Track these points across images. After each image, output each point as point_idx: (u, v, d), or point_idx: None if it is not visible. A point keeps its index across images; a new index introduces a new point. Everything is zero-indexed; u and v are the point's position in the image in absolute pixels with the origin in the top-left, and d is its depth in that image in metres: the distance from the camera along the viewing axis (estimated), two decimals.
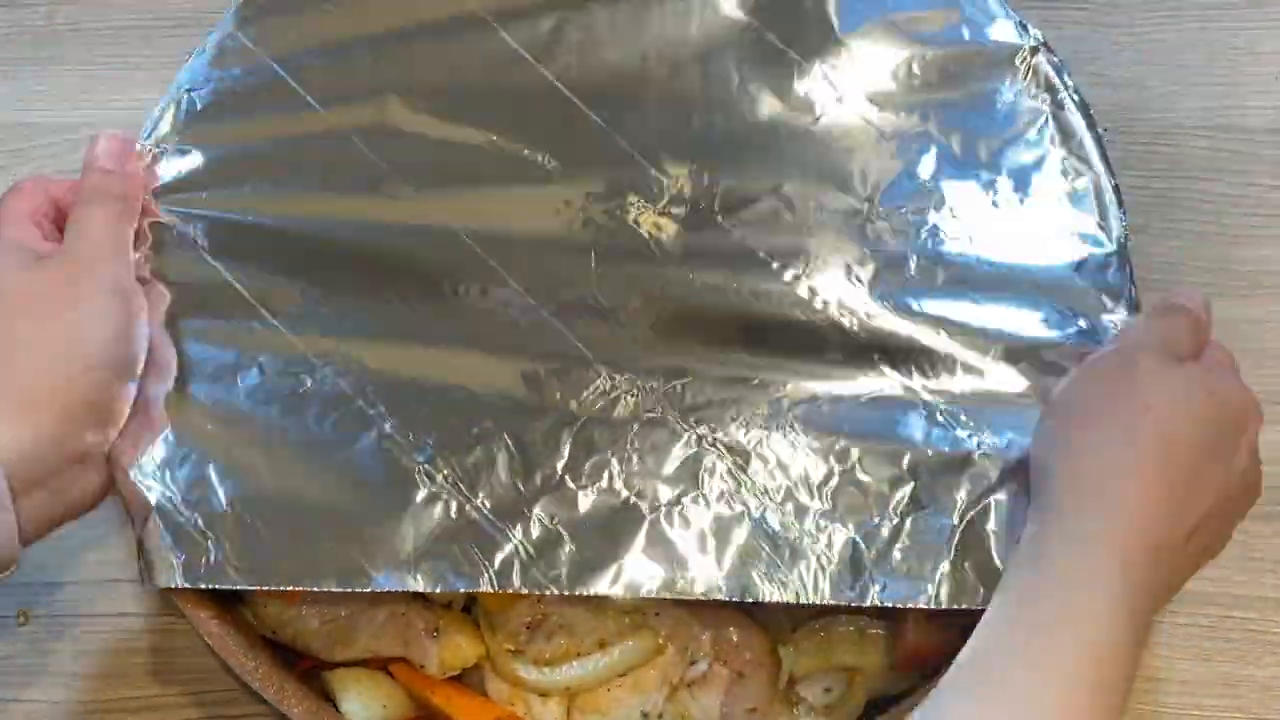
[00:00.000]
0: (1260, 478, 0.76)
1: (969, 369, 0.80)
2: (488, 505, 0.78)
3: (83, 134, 1.00)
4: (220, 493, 0.78)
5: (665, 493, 0.78)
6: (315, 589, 0.77)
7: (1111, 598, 0.68)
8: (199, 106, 0.86)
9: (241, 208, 0.83)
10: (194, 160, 0.84)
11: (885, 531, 0.77)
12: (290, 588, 0.78)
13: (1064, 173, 0.84)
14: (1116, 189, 0.83)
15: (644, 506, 0.78)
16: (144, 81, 1.02)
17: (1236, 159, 0.99)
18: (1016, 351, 0.81)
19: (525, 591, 0.77)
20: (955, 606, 0.75)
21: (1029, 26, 0.86)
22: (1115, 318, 0.81)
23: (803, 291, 0.82)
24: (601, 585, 0.76)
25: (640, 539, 0.77)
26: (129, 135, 0.83)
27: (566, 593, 0.76)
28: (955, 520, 0.77)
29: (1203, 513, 0.72)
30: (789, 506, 0.78)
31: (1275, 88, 1.00)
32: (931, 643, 0.80)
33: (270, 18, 0.88)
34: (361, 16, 0.88)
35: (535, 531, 0.77)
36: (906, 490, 0.78)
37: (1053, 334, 0.81)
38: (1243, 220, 0.98)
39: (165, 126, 0.85)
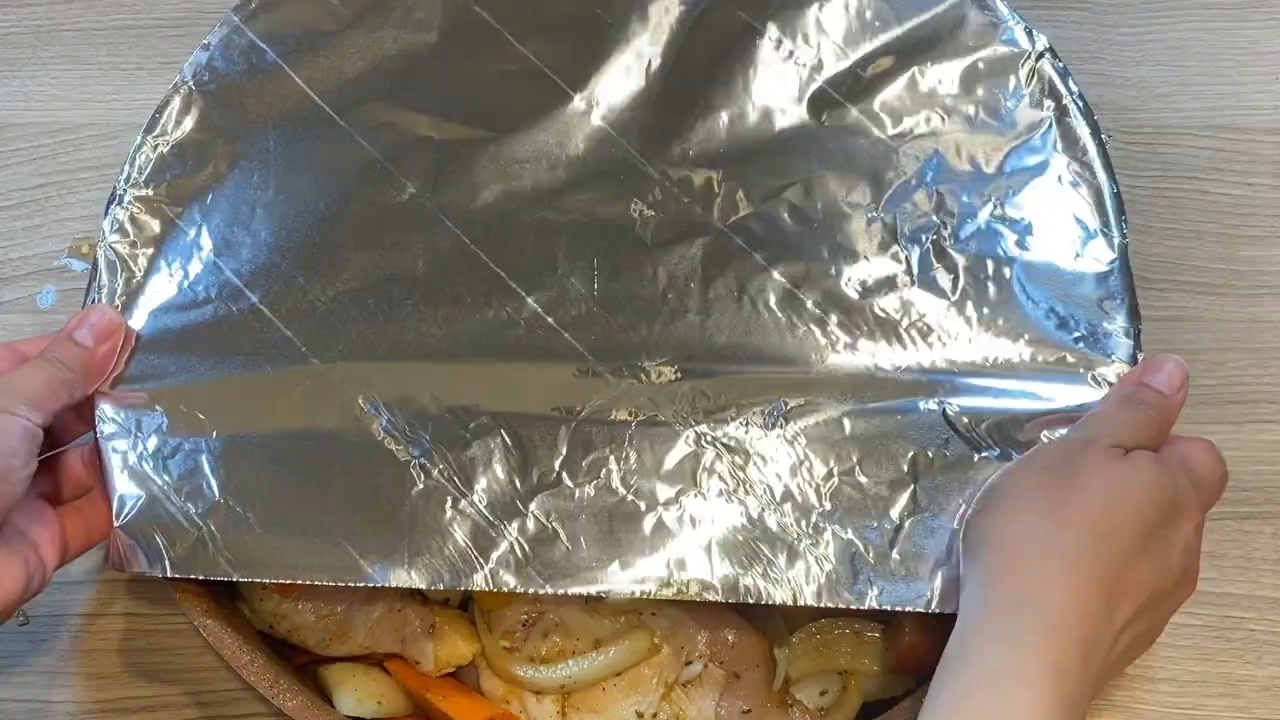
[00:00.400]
0: (1197, 570, 0.74)
1: (969, 374, 0.80)
2: (484, 502, 0.78)
3: (83, 134, 1.00)
4: (213, 484, 0.78)
5: (663, 492, 0.78)
6: (309, 582, 0.77)
7: (1042, 702, 0.66)
8: (206, 102, 0.86)
9: (243, 201, 0.84)
10: (197, 154, 0.85)
11: (884, 534, 0.77)
12: (283, 581, 0.78)
13: (1067, 179, 0.83)
14: (1119, 196, 0.83)
15: (642, 505, 0.78)
16: (144, 81, 1.02)
17: (1237, 159, 0.99)
18: (1015, 357, 0.81)
19: (521, 590, 0.77)
20: (953, 611, 0.75)
21: (1035, 32, 0.86)
22: (1115, 326, 0.81)
23: (803, 296, 0.82)
24: (598, 584, 0.76)
25: (637, 538, 0.77)
26: (116, 320, 0.81)
27: (562, 591, 0.76)
28: (955, 524, 0.77)
29: (1134, 610, 0.70)
30: (787, 507, 0.78)
31: (1276, 88, 1.00)
32: (928, 646, 0.80)
33: (274, 12, 0.88)
34: (363, 12, 0.88)
35: (531, 529, 0.77)
36: (906, 493, 0.78)
37: (1052, 341, 0.80)
38: (1243, 220, 0.97)
39: (169, 120, 0.85)
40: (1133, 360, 0.80)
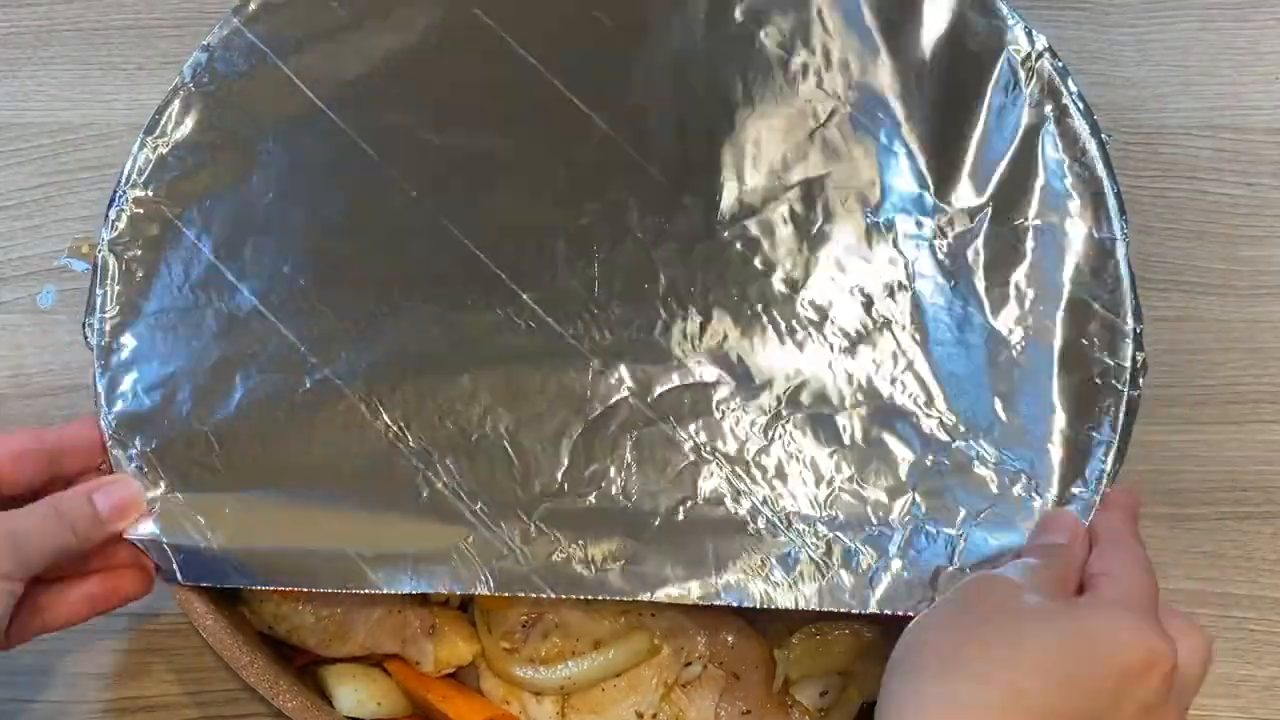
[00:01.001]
0: None
1: (968, 379, 0.80)
2: (486, 511, 0.78)
3: (82, 134, 1.00)
4: (220, 494, 0.78)
5: (663, 500, 0.78)
6: (314, 589, 0.78)
7: None
8: (206, 104, 0.86)
9: (243, 203, 0.84)
10: (198, 157, 0.85)
11: (884, 540, 0.77)
12: (289, 588, 0.78)
13: (1067, 179, 0.83)
14: (1119, 196, 0.83)
15: (642, 512, 0.78)
16: (144, 81, 1.02)
17: (1237, 159, 0.99)
18: (1013, 364, 0.80)
19: (522, 595, 0.77)
20: None
21: (1034, 32, 0.86)
22: (1117, 326, 0.81)
23: (802, 301, 0.82)
24: (599, 590, 0.76)
25: (639, 545, 0.77)
26: (138, 499, 0.78)
27: (563, 596, 0.77)
28: (954, 530, 0.77)
29: None
30: (787, 514, 0.78)
31: (1276, 88, 1.00)
32: None
33: (274, 14, 0.88)
34: (363, 13, 0.88)
35: (534, 536, 0.77)
36: (906, 500, 0.78)
37: (1048, 347, 0.80)
38: (1243, 220, 0.98)
39: (170, 122, 0.85)
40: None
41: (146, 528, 0.78)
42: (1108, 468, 0.78)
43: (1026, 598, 0.69)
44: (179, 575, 0.77)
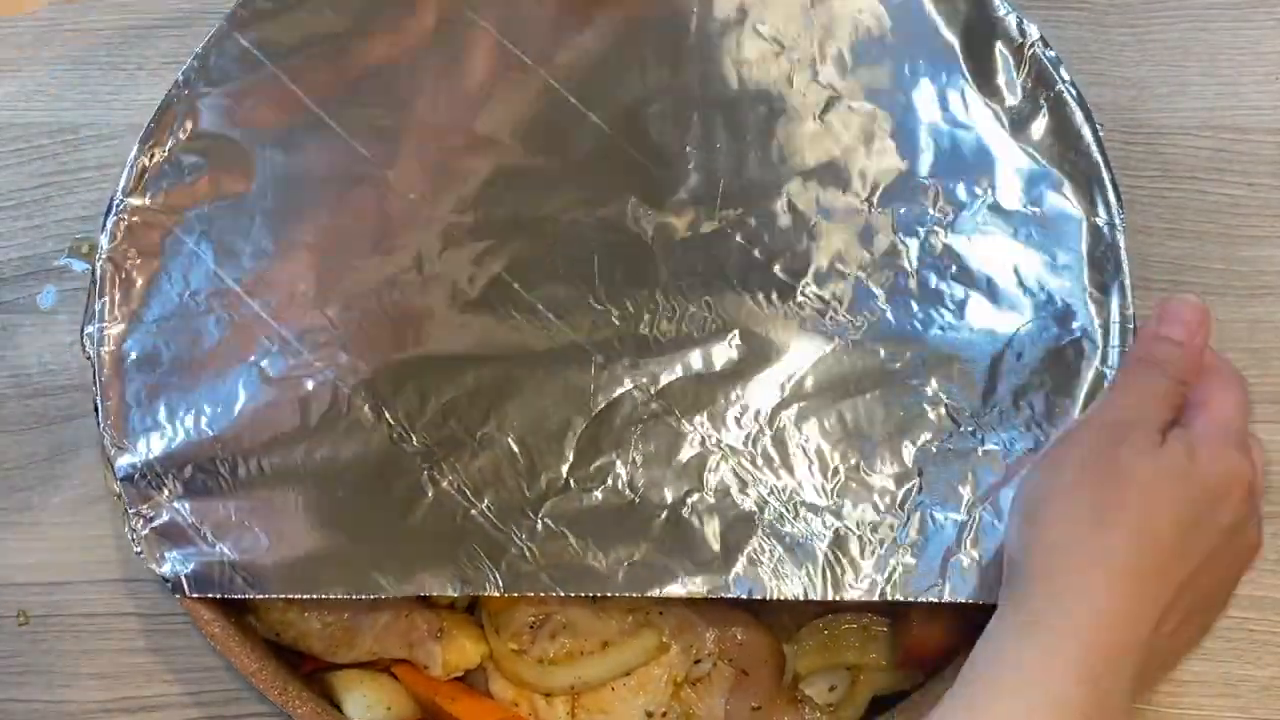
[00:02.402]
0: (1259, 539, 0.75)
1: (968, 363, 0.81)
2: (493, 510, 0.78)
3: (83, 134, 1.00)
4: (225, 503, 0.78)
5: (670, 493, 0.78)
6: (324, 597, 0.78)
7: (1068, 709, 0.66)
8: (203, 111, 0.85)
9: (242, 209, 0.83)
10: (195, 163, 0.84)
11: (891, 527, 0.77)
12: (299, 596, 0.78)
13: (1061, 167, 0.84)
14: (1114, 182, 0.83)
15: (649, 507, 0.78)
16: (144, 81, 1.01)
17: (1237, 159, 0.99)
18: (1013, 349, 0.81)
19: (531, 594, 0.77)
20: (962, 601, 0.75)
21: (1026, 21, 0.86)
22: (1110, 310, 0.81)
23: (804, 291, 0.82)
24: (607, 586, 0.77)
25: (647, 540, 0.77)
26: None
27: (572, 594, 0.77)
28: (962, 515, 0.77)
29: (1180, 605, 0.70)
30: (794, 504, 0.78)
31: (1276, 88, 1.00)
32: (936, 640, 0.80)
33: (269, 20, 0.87)
34: (357, 17, 0.88)
35: (541, 534, 0.78)
36: (912, 486, 0.78)
37: (1048, 332, 0.81)
38: (1243, 220, 0.97)
39: (167, 129, 0.85)
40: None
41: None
42: None
43: (1143, 448, 0.72)
44: (186, 588, 0.77)
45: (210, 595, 0.78)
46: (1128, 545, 0.69)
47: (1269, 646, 0.89)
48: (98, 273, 0.82)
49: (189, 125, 0.85)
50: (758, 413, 0.80)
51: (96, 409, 0.80)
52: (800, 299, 0.82)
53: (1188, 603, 0.71)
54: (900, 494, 0.78)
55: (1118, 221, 0.82)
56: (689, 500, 0.78)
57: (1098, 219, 0.82)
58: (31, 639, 0.89)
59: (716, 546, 0.77)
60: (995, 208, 0.83)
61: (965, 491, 0.78)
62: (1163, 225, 0.97)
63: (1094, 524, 0.70)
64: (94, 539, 0.91)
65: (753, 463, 0.79)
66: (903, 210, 0.84)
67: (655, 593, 0.77)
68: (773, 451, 0.79)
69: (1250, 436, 0.75)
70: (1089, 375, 0.80)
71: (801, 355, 0.81)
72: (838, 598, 0.77)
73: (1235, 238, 0.97)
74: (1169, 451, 0.72)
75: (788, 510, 0.78)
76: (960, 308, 0.82)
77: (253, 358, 0.81)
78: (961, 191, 0.84)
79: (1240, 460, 0.73)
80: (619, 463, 0.79)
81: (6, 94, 1.01)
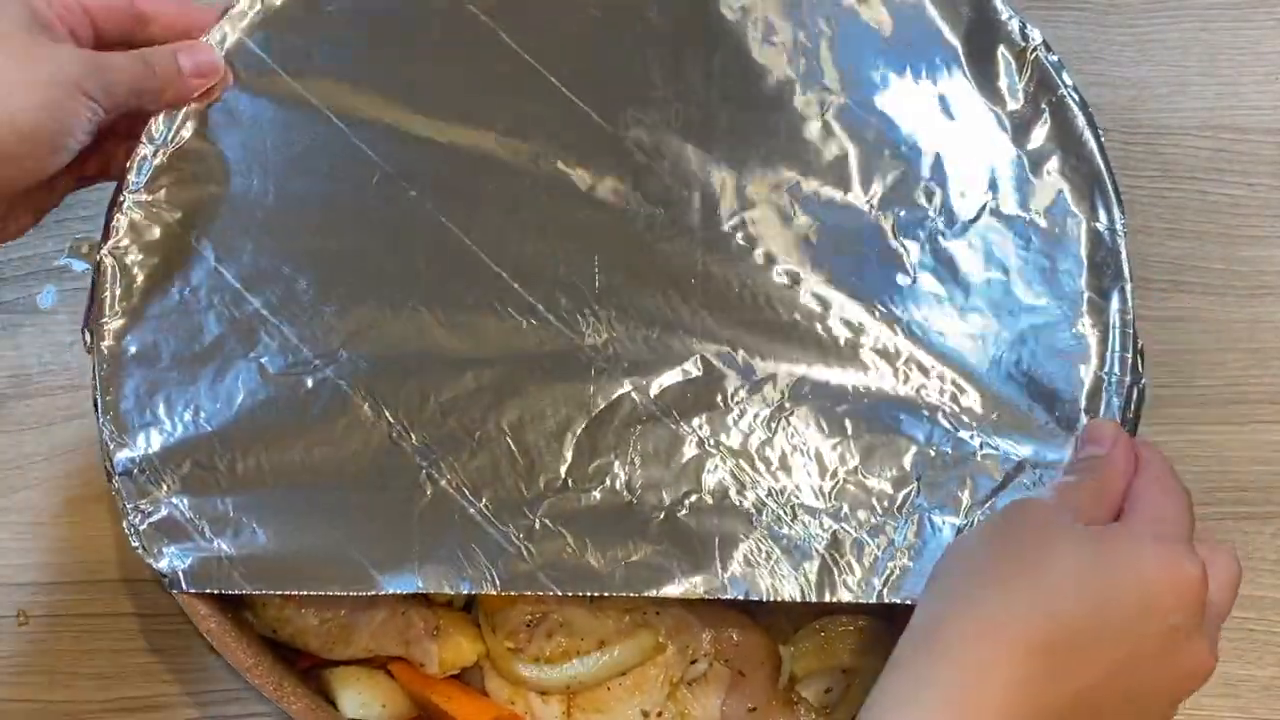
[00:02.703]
0: (1210, 659, 0.68)
1: (971, 370, 0.81)
2: (491, 508, 0.78)
3: None
4: (224, 498, 0.78)
5: (668, 494, 0.78)
6: (321, 594, 0.78)
7: None
8: (206, 108, 0.85)
9: (243, 206, 0.83)
10: (198, 160, 0.84)
11: (889, 530, 0.77)
12: (296, 592, 0.78)
13: (1063, 172, 0.83)
14: (1116, 188, 0.83)
15: (647, 508, 0.78)
16: None
17: (1237, 159, 0.99)
18: (1012, 354, 0.81)
19: (528, 593, 0.77)
20: None
21: (1029, 25, 0.86)
22: (1111, 316, 0.81)
23: (803, 294, 0.82)
24: (604, 586, 0.77)
25: (644, 540, 0.77)
26: (219, 65, 0.84)
27: (569, 593, 0.77)
28: (960, 520, 0.77)
29: (1083, 705, 0.65)
30: (792, 506, 0.78)
31: (1276, 88, 1.00)
32: None
33: (272, 19, 0.87)
34: (359, 16, 0.88)
35: (539, 533, 0.77)
36: (910, 489, 0.78)
37: (1048, 337, 0.81)
38: (1243, 220, 0.98)
39: (170, 126, 0.85)
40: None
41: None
42: None
43: (1060, 520, 0.69)
44: (184, 583, 0.77)
45: (207, 591, 0.78)
46: (1025, 621, 0.65)
47: (1269, 646, 0.90)
48: (99, 268, 0.82)
49: (192, 122, 0.85)
50: (756, 415, 0.80)
51: (96, 404, 0.80)
52: (800, 301, 0.82)
53: (1096, 708, 0.66)
54: (898, 497, 0.78)
55: (1119, 227, 0.82)
56: (687, 501, 0.78)
57: (1098, 224, 0.82)
58: (31, 639, 0.89)
59: (714, 547, 0.77)
60: (995, 212, 0.83)
61: (963, 496, 0.78)
62: (1163, 225, 0.97)
63: (996, 593, 0.67)
64: (94, 539, 0.91)
65: (751, 465, 0.79)
66: (903, 213, 0.83)
67: (652, 593, 0.77)
68: (771, 454, 0.79)
69: (1213, 547, 0.70)
70: (1088, 381, 0.80)
71: (801, 357, 0.81)
72: (834, 600, 0.77)
73: (1235, 237, 0.97)
74: (1092, 537, 0.68)
75: (785, 512, 0.78)
76: (960, 312, 0.82)
77: (252, 354, 0.81)
78: (962, 195, 0.84)
79: (1184, 565, 0.67)
80: (617, 463, 0.79)
81: None
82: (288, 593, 0.79)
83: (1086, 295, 0.81)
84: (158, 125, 0.84)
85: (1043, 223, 0.83)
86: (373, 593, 0.77)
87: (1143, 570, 0.67)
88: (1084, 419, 0.80)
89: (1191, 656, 0.68)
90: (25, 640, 0.89)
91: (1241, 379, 0.94)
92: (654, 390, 0.80)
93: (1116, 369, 0.80)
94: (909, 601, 0.76)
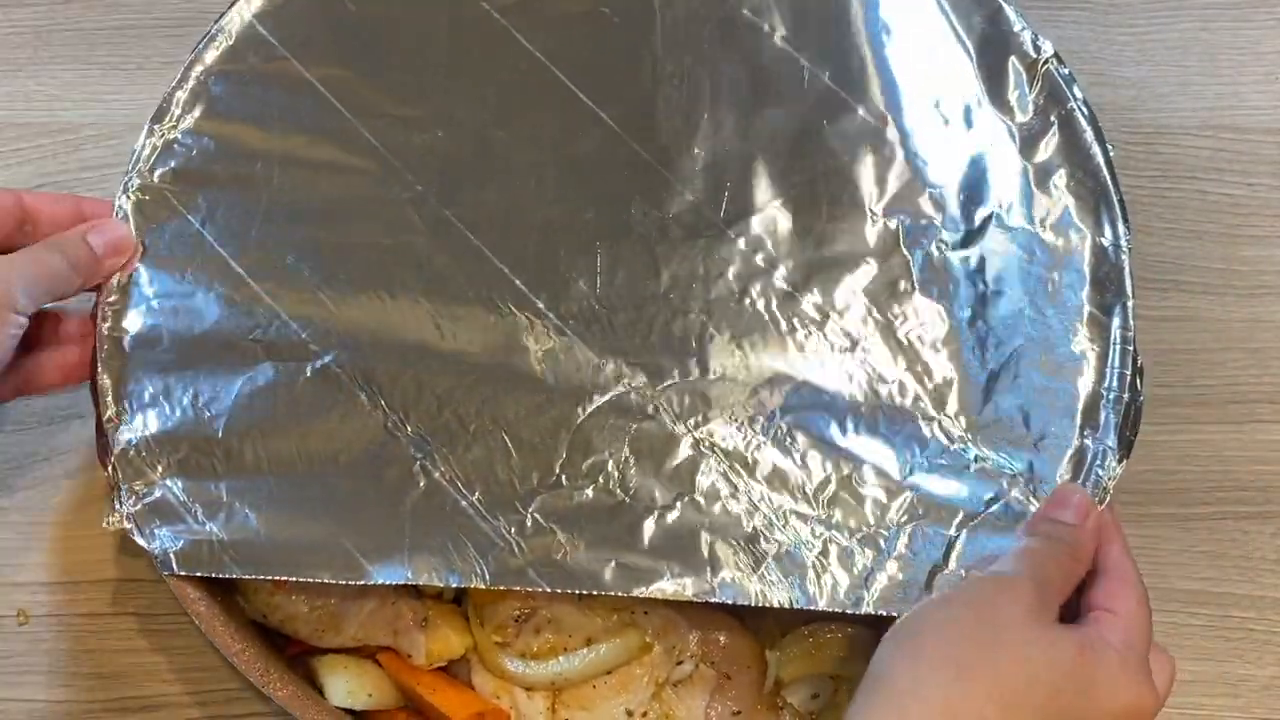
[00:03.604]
0: None
1: (969, 381, 0.80)
2: (484, 503, 0.78)
3: (83, 134, 1.00)
4: (218, 483, 0.78)
5: (661, 495, 0.78)
6: (311, 580, 0.78)
7: None
8: (214, 93, 0.85)
9: (248, 192, 0.84)
10: (204, 145, 0.85)
11: (882, 540, 0.77)
12: (287, 578, 0.78)
13: (1069, 186, 0.83)
14: (1122, 204, 0.83)
15: (640, 507, 0.78)
16: (144, 81, 1.02)
17: (1237, 159, 0.98)
18: (1010, 367, 0.81)
19: (518, 588, 0.77)
20: None
21: (1041, 37, 0.85)
22: (1117, 333, 0.81)
23: (804, 301, 0.82)
24: (594, 584, 0.77)
25: (635, 540, 0.77)
26: (130, 240, 0.82)
27: (558, 590, 0.77)
28: (952, 532, 0.77)
29: None
30: (785, 512, 0.78)
31: (1275, 88, 1.00)
32: None
33: (284, 7, 0.87)
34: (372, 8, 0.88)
35: (530, 529, 0.77)
36: (903, 500, 0.78)
37: (1047, 351, 0.81)
38: (1243, 220, 0.97)
39: (177, 110, 0.85)
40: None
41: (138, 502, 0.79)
42: (1107, 474, 0.78)
43: (1040, 618, 0.69)
44: (174, 565, 0.77)
45: (198, 574, 0.78)
46: (981, 706, 0.66)
47: (1269, 646, 0.89)
48: None
49: (200, 106, 0.85)
50: (752, 419, 0.80)
51: (94, 383, 0.80)
52: (801, 307, 0.82)
53: None
54: (890, 507, 0.78)
55: (1123, 243, 0.82)
56: (679, 503, 0.78)
57: (1103, 239, 0.82)
58: (31, 639, 0.89)
59: (704, 549, 0.77)
60: (1001, 223, 0.83)
61: (955, 508, 0.78)
62: (1162, 225, 0.97)
63: (958, 680, 0.67)
64: (94, 539, 0.91)
65: (745, 468, 0.79)
66: (908, 222, 0.83)
67: (641, 593, 0.76)
68: (764, 459, 0.79)
69: (1156, 655, 0.72)
70: (1085, 396, 0.80)
71: (799, 364, 0.81)
72: (824, 608, 0.77)
73: (1235, 237, 0.97)
74: (1062, 638, 0.69)
75: (777, 518, 0.78)
76: (960, 324, 0.81)
77: (252, 339, 0.81)
78: (967, 205, 0.83)
79: (1147, 699, 0.70)
80: (611, 462, 0.79)
81: (6, 94, 1.02)
82: (278, 579, 0.79)
83: (1088, 310, 0.81)
84: (165, 113, 0.84)
85: (1047, 236, 0.82)
86: (362, 582, 0.77)
87: (1112, 692, 0.68)
88: (1073, 450, 0.79)
89: None
90: (25, 640, 0.89)
91: (1241, 378, 0.94)
92: (650, 390, 0.80)
93: (1115, 385, 0.79)
94: (896, 615, 0.75)
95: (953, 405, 0.80)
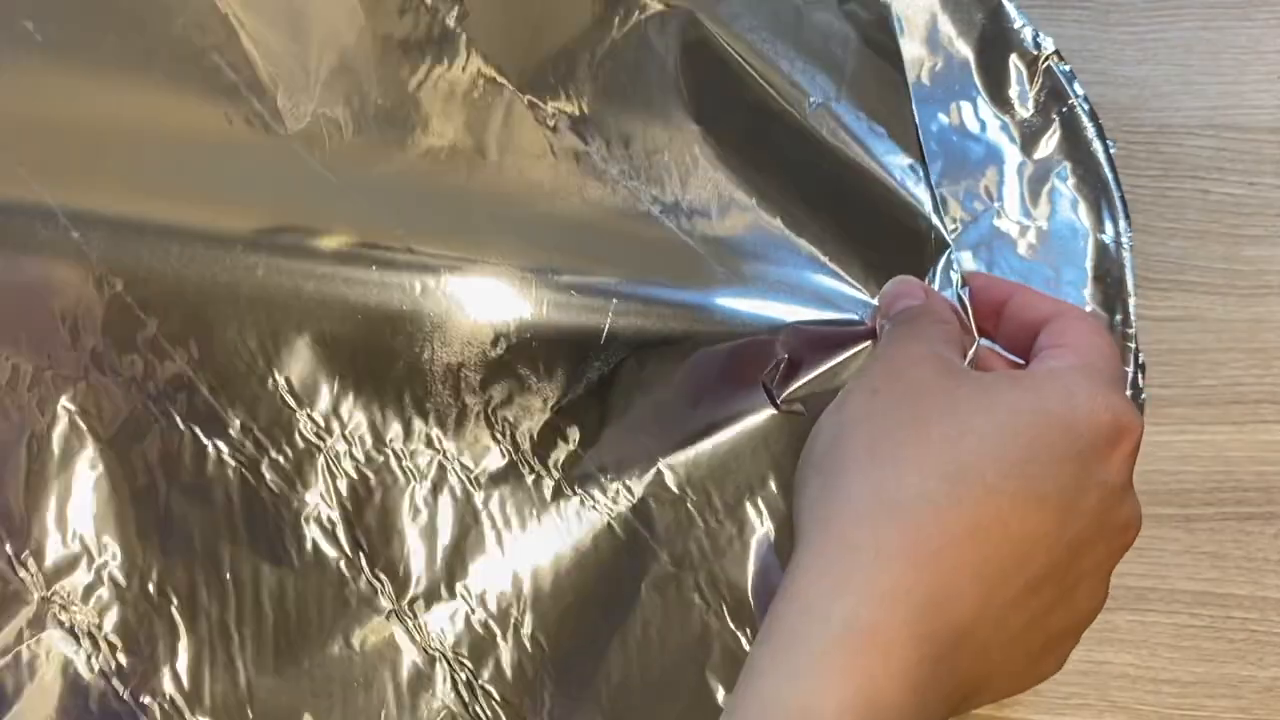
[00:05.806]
0: (1138, 515, 0.61)
1: None
2: None
3: None
4: None
5: None
6: None
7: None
8: None
9: None
10: None
11: None
12: None
13: (1070, 181, 0.83)
14: (1123, 200, 0.83)
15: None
16: None
17: (1239, 159, 0.98)
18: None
19: None
20: None
21: (1041, 35, 0.85)
22: (1118, 331, 0.81)
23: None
24: None
25: None
26: None
27: None
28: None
29: (1021, 574, 0.54)
30: None
31: (1278, 87, 1.00)
32: None
33: None
34: None
35: None
36: None
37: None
38: (1246, 220, 0.97)
39: None
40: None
41: None
42: None
43: (950, 365, 0.59)
44: None
45: None
46: (934, 494, 0.53)
47: (1270, 647, 0.89)
48: None
49: None
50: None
51: None
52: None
53: (1030, 573, 0.55)
54: None
55: (1125, 240, 0.82)
56: None
57: (1104, 236, 0.82)
58: None
59: None
60: (1001, 219, 0.83)
61: None
62: (1164, 224, 0.97)
63: (889, 472, 0.55)
64: None
65: None
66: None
67: None
68: None
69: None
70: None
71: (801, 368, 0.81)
72: None
73: (1237, 237, 0.97)
74: (996, 380, 0.58)
75: None
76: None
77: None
78: (968, 203, 0.83)
79: (1128, 405, 0.58)
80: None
81: None
82: None
83: (1089, 308, 0.81)
84: None
85: (1047, 233, 0.83)
86: None
87: (1075, 413, 0.57)
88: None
89: (1127, 512, 0.60)
90: None
91: (1243, 379, 0.94)
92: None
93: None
94: None
95: None
